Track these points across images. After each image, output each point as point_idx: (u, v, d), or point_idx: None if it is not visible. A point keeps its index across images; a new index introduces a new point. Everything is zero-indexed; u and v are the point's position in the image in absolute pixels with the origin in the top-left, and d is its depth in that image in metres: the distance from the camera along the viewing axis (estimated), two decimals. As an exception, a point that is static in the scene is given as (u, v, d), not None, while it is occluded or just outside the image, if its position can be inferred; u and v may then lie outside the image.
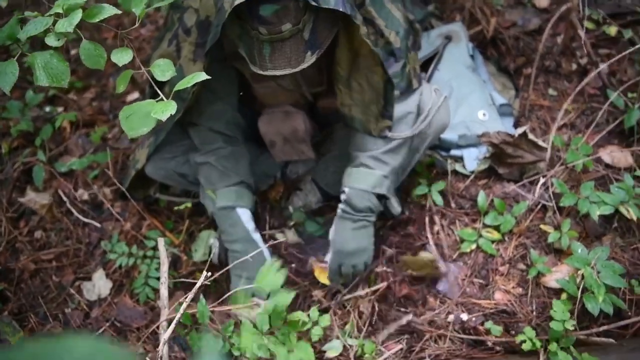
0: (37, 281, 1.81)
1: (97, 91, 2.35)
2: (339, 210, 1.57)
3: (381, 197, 1.56)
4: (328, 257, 1.61)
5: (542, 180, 1.71)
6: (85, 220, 1.90)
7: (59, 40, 1.02)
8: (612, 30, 2.07)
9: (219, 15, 1.18)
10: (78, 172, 2.03)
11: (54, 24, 1.01)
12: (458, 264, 1.66)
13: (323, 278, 1.64)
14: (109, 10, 1.01)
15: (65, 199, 1.95)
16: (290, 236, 1.80)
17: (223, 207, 1.59)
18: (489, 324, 1.50)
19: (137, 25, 1.10)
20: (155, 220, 1.86)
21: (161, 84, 1.10)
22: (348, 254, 1.56)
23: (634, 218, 1.56)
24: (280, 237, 1.77)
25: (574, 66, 2.06)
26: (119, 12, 1.02)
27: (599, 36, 2.10)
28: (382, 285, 1.61)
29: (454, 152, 1.86)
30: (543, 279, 1.57)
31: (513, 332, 1.50)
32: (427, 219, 1.74)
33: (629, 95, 1.86)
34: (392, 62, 1.43)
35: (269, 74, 1.21)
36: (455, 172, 1.83)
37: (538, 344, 1.40)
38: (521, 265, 1.62)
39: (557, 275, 1.54)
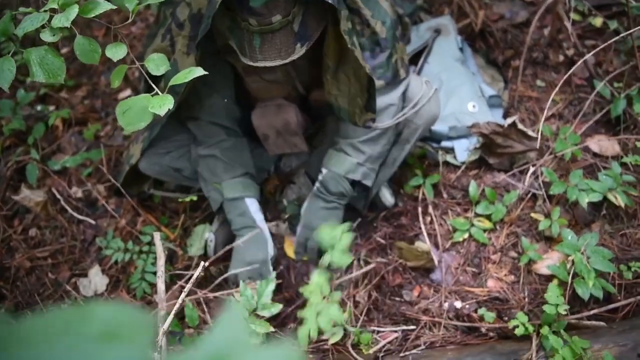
0: (33, 278, 1.81)
1: (89, 89, 2.35)
2: (314, 188, 1.66)
3: (355, 184, 1.62)
4: (297, 231, 1.69)
5: (531, 170, 1.75)
6: (80, 217, 1.90)
7: (54, 35, 1.03)
8: (598, 21, 2.11)
9: (210, 6, 1.20)
10: (71, 170, 2.04)
11: (49, 19, 1.02)
12: (451, 253, 1.68)
13: (290, 252, 1.73)
14: (104, 5, 1.02)
15: (59, 196, 1.95)
16: (284, 229, 1.81)
17: (232, 198, 1.62)
18: (482, 311, 1.53)
19: (130, 20, 1.11)
20: (150, 215, 1.87)
21: (156, 79, 1.11)
22: (315, 230, 1.59)
23: (622, 205, 1.60)
24: (273, 230, 1.79)
25: (561, 57, 2.10)
26: (114, 7, 1.03)
27: (585, 27, 2.13)
28: (371, 267, 1.64)
29: (444, 143, 1.88)
30: (534, 266, 1.60)
31: (506, 318, 1.53)
32: (420, 210, 1.76)
33: (615, 85, 1.90)
34: (377, 52, 1.45)
35: (260, 65, 1.23)
36: (446, 163, 1.86)
37: (530, 328, 1.43)
38: (513, 253, 1.66)
39: (548, 262, 1.57)
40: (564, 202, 1.70)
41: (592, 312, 1.46)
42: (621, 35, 1.68)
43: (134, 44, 2.40)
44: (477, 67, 2.10)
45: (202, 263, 1.12)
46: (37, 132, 2.08)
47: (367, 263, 1.68)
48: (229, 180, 1.62)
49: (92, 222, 1.90)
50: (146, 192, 1.86)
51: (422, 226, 1.73)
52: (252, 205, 1.65)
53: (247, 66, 1.25)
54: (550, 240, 1.65)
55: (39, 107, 2.25)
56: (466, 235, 1.69)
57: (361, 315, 1.59)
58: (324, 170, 1.62)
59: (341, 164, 1.58)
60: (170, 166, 1.66)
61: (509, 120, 1.74)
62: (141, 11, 2.47)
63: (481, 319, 1.53)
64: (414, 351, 1.49)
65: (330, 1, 1.17)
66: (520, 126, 1.74)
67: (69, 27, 0.97)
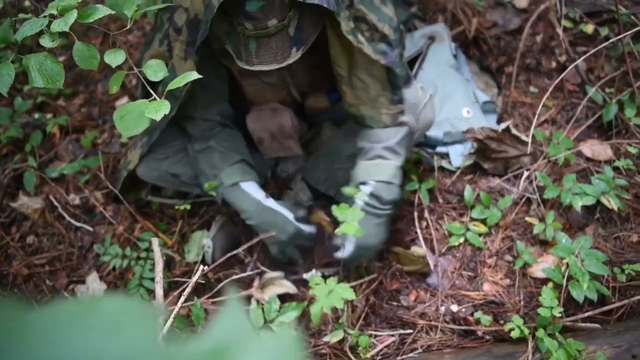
0: (30, 286, 1.81)
1: (86, 97, 2.36)
2: (361, 205, 1.51)
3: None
4: (345, 251, 1.54)
5: (525, 174, 1.76)
6: (77, 224, 1.91)
7: (53, 41, 1.04)
8: (589, 28, 2.14)
9: (208, 11, 1.21)
10: (69, 177, 2.04)
11: (48, 25, 1.03)
12: (447, 258, 1.70)
13: (327, 225, 1.70)
14: (103, 11, 1.03)
15: (56, 203, 1.96)
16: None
17: (230, 184, 1.57)
18: (478, 314, 1.54)
19: (129, 26, 1.12)
20: (148, 222, 1.88)
21: (154, 84, 1.13)
22: (371, 247, 1.55)
23: (615, 208, 1.62)
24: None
25: (554, 64, 2.13)
26: (113, 12, 1.04)
27: (577, 34, 2.16)
28: (373, 276, 1.65)
29: (439, 149, 1.90)
30: (529, 269, 1.61)
31: (502, 322, 1.54)
32: (415, 215, 1.78)
33: (607, 90, 1.92)
34: (390, 52, 1.43)
35: (256, 69, 1.24)
36: (441, 169, 1.88)
37: (526, 331, 1.44)
38: (508, 257, 1.67)
39: (543, 265, 1.59)
40: (558, 206, 1.72)
41: (586, 314, 1.47)
42: (611, 40, 1.70)
43: (131, 52, 2.41)
44: (471, 73, 2.12)
45: (201, 267, 1.13)
46: (35, 140, 2.09)
47: (366, 269, 1.69)
48: (227, 169, 1.57)
49: (90, 228, 1.90)
50: (144, 199, 1.86)
51: (418, 231, 1.75)
52: (249, 187, 1.58)
53: (243, 69, 1.27)
54: (544, 244, 1.67)
55: (36, 115, 2.27)
56: (462, 240, 1.70)
57: (358, 319, 1.60)
58: (371, 183, 1.51)
59: (385, 171, 1.51)
60: (168, 171, 1.66)
61: (503, 126, 1.76)
62: (138, 20, 2.49)
63: (477, 322, 1.54)
64: (411, 355, 1.50)
65: (326, 6, 1.18)
66: (514, 131, 1.77)
67: (67, 31, 0.99)
